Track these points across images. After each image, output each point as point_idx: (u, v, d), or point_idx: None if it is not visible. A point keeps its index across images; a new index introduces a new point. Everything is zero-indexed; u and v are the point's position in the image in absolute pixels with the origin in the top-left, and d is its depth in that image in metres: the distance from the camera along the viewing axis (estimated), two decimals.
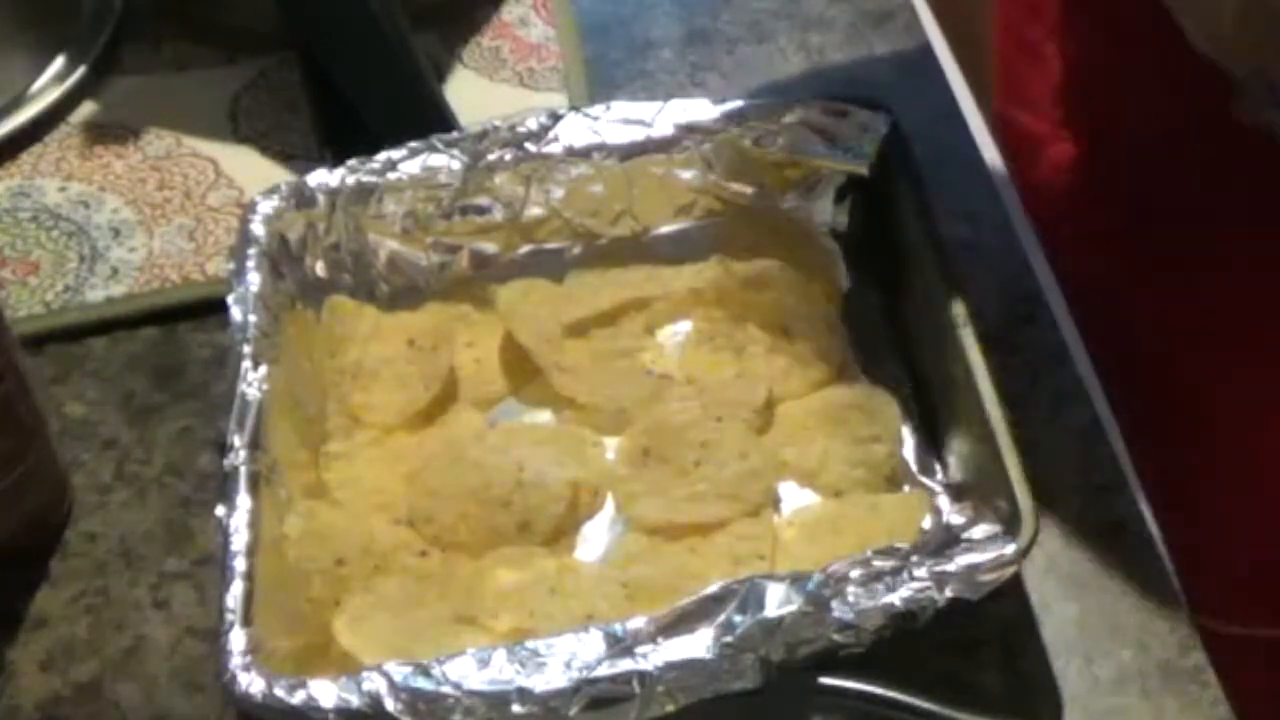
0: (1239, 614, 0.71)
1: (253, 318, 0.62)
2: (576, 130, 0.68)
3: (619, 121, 0.68)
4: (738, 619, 0.51)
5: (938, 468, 0.62)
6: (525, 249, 0.70)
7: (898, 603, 0.52)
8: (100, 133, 0.82)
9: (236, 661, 0.52)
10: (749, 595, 0.52)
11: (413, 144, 0.68)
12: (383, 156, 0.67)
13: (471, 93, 0.81)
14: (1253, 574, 0.74)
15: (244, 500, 0.57)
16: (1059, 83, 0.78)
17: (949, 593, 0.52)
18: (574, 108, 0.69)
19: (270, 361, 0.61)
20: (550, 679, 0.51)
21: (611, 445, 0.64)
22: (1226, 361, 0.71)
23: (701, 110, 0.68)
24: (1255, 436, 0.72)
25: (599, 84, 0.82)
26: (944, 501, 0.60)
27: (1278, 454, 0.71)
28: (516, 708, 0.50)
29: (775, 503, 0.62)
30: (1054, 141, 0.78)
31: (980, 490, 0.57)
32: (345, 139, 0.73)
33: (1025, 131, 0.80)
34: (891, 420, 0.63)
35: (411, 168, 0.67)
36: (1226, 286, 0.70)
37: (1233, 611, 0.70)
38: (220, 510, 0.57)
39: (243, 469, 0.57)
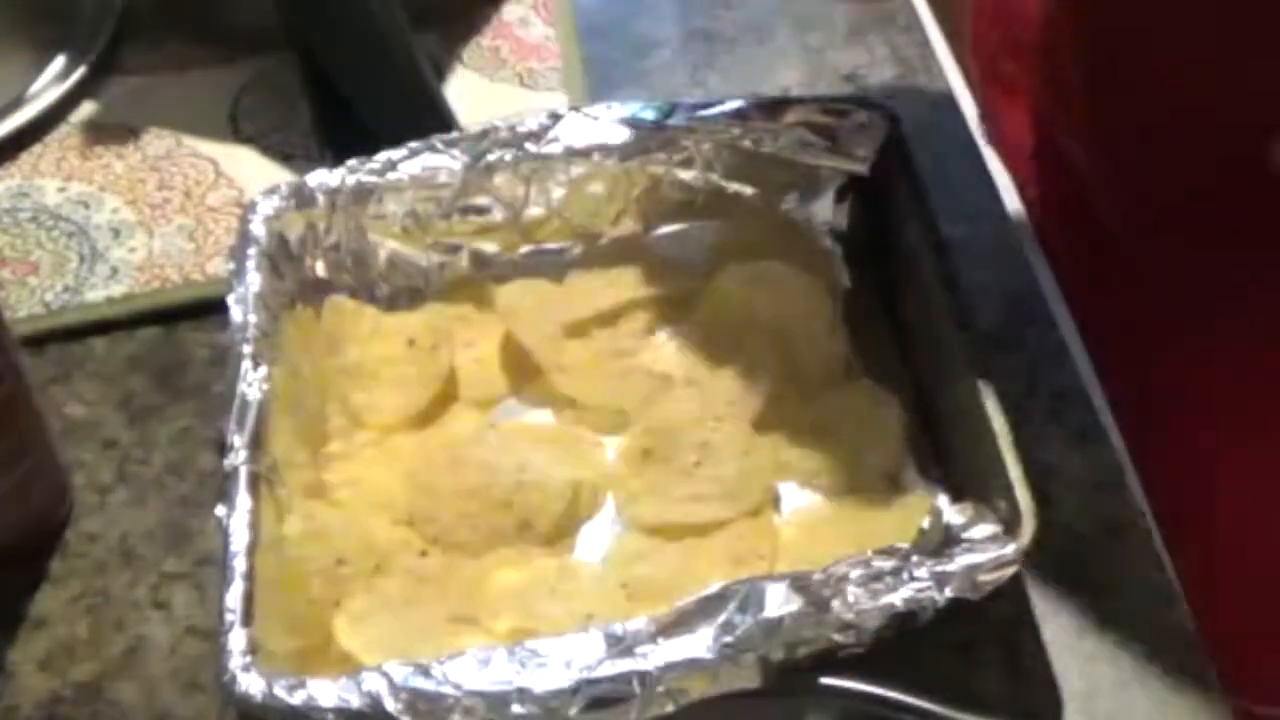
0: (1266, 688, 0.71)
1: (253, 318, 0.62)
2: (576, 130, 0.68)
3: (619, 121, 0.68)
4: (738, 619, 0.51)
5: (938, 468, 0.62)
6: (525, 249, 0.70)
7: (898, 603, 0.52)
8: (100, 133, 0.82)
9: (236, 661, 0.52)
10: (749, 595, 0.52)
11: (413, 144, 0.68)
12: (383, 156, 0.67)
13: (471, 93, 0.81)
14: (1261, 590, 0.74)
15: (244, 500, 0.57)
16: (1032, 119, 0.78)
17: (949, 593, 0.52)
18: (574, 108, 0.69)
19: (270, 361, 0.61)
20: (550, 679, 0.51)
21: (611, 445, 0.64)
22: (1226, 369, 0.71)
23: (701, 110, 0.68)
24: (1256, 441, 0.72)
25: (599, 84, 0.82)
26: (944, 501, 0.60)
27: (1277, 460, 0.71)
28: (516, 708, 0.50)
29: (775, 503, 0.62)
30: (1029, 183, 0.78)
31: (980, 490, 0.57)
32: (345, 139, 0.73)
33: (1005, 165, 0.80)
34: (891, 420, 0.63)
35: (411, 168, 0.67)
36: (1215, 285, 0.70)
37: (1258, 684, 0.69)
38: (220, 510, 0.57)
39: (243, 469, 0.57)
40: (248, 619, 0.53)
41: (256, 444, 0.58)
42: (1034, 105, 0.78)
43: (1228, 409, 0.72)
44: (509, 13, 0.86)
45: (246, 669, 0.52)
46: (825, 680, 0.54)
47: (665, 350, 0.67)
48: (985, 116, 0.82)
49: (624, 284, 0.69)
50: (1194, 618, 0.59)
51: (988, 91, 0.83)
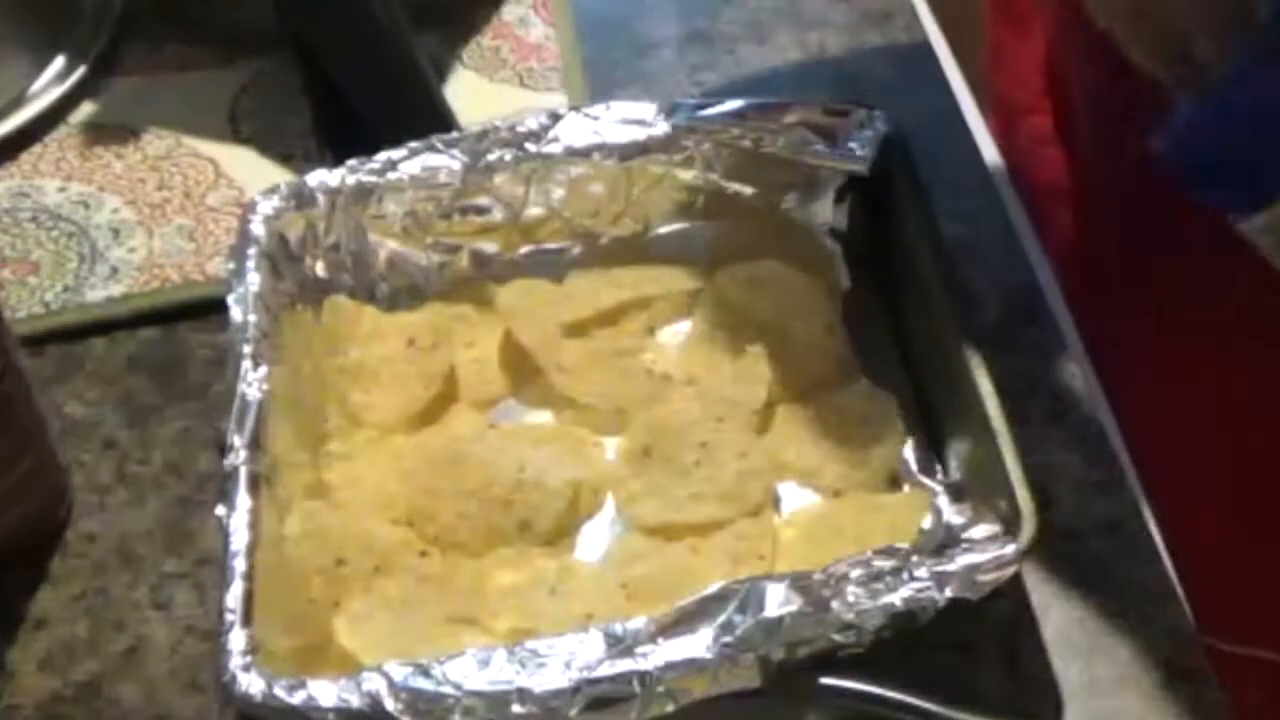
0: (1243, 632, 0.71)
1: (253, 318, 0.62)
2: (576, 130, 0.68)
3: (619, 121, 0.68)
4: (738, 619, 0.51)
5: (938, 468, 0.62)
6: (525, 249, 0.70)
7: (898, 603, 0.52)
8: (100, 133, 0.82)
9: (236, 661, 0.52)
10: (749, 595, 0.52)
11: (413, 144, 0.68)
12: (383, 156, 0.67)
13: (471, 93, 0.81)
14: (1253, 584, 0.74)
15: (244, 500, 0.57)
16: (1043, 54, 0.78)
17: (949, 593, 0.52)
18: (574, 108, 0.69)
19: (270, 361, 0.61)
20: (550, 679, 0.51)
21: (611, 445, 0.64)
22: (1222, 351, 0.71)
23: (701, 110, 0.68)
24: (1258, 436, 0.72)
25: (599, 84, 0.82)
26: (944, 501, 0.60)
27: (1277, 456, 0.71)
28: (516, 708, 0.50)
29: (775, 503, 0.62)
30: (1035, 113, 0.78)
31: (980, 490, 0.57)
32: (345, 139, 0.73)
33: (1008, 101, 0.80)
34: (891, 420, 0.63)
35: (411, 168, 0.67)
36: (1219, 274, 0.70)
37: (1237, 629, 0.70)
38: (220, 510, 0.57)
39: (243, 469, 0.57)
40: (248, 619, 0.53)
41: (256, 444, 0.58)
42: (1049, 43, 0.78)
43: (1228, 409, 0.72)
44: (509, 13, 0.86)
45: (246, 669, 0.52)
46: (825, 680, 0.54)
47: (665, 350, 0.67)
48: (990, 49, 0.82)
49: (624, 284, 0.69)
50: (1198, 630, 0.59)
51: (997, 26, 0.83)
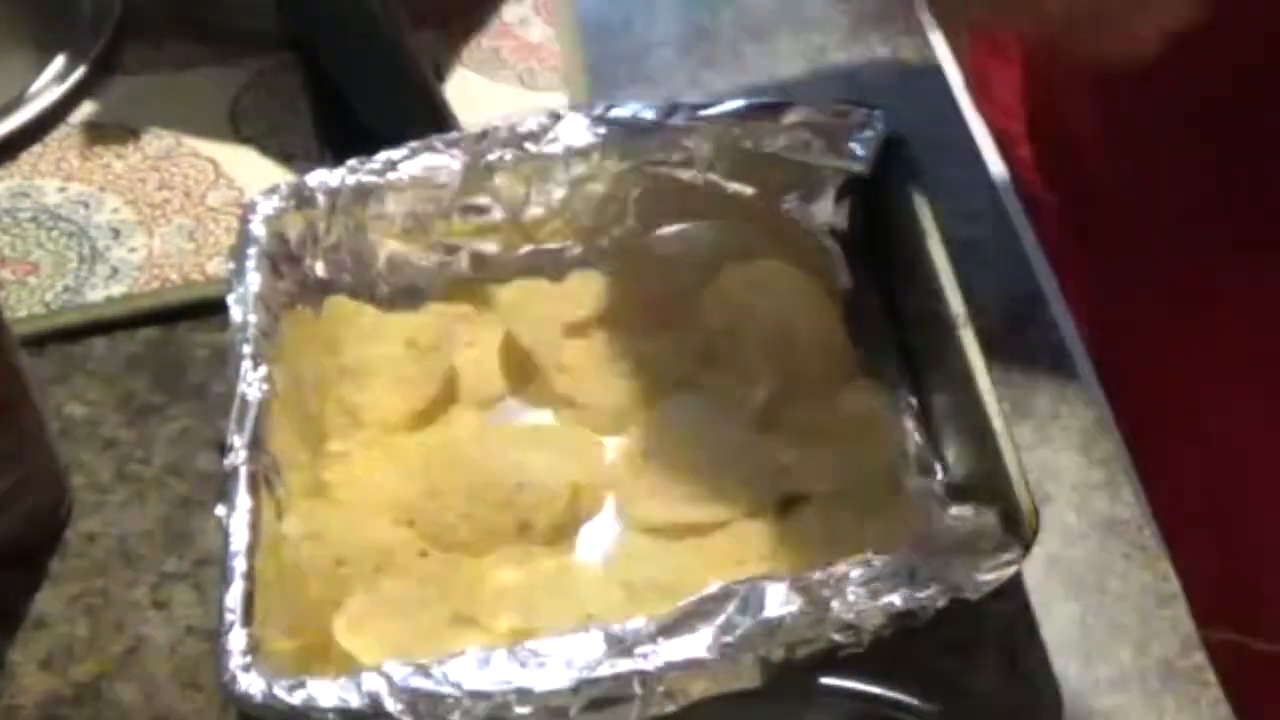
0: (1244, 625, 0.71)
1: (253, 318, 0.62)
2: (576, 130, 0.68)
3: (619, 121, 0.68)
4: (738, 619, 0.51)
5: (938, 468, 0.62)
6: (525, 249, 0.70)
7: (898, 603, 0.52)
8: (100, 133, 0.82)
9: (236, 661, 0.52)
10: (749, 595, 0.52)
11: (413, 144, 0.68)
12: (383, 156, 0.67)
13: (471, 93, 0.81)
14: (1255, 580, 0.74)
15: (244, 500, 0.57)
16: (1022, 81, 0.78)
17: (949, 593, 0.52)
18: (574, 108, 0.69)
19: (270, 361, 0.61)
20: (550, 679, 0.51)
21: (611, 445, 0.64)
22: (1222, 354, 0.71)
23: (701, 110, 0.68)
24: (1255, 436, 0.72)
25: (599, 84, 0.82)
26: (944, 501, 0.60)
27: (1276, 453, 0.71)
28: (517, 708, 0.50)
29: (775, 503, 0.62)
30: (1024, 141, 0.78)
31: (980, 490, 0.57)
32: (345, 139, 0.73)
33: (997, 132, 0.80)
34: (891, 420, 0.63)
35: (411, 168, 0.67)
36: (1214, 285, 0.70)
37: (1238, 623, 0.70)
38: (220, 510, 0.57)
39: (243, 469, 0.57)
40: (248, 619, 0.53)
41: (256, 444, 0.58)
42: (1028, 65, 0.78)
43: (1229, 408, 0.72)
44: (509, 13, 0.86)
45: (246, 669, 0.52)
46: (825, 680, 0.54)
47: (665, 350, 0.67)
48: (973, 77, 0.82)
49: (624, 284, 0.69)
50: (1199, 627, 0.59)
51: (975, 51, 0.83)
